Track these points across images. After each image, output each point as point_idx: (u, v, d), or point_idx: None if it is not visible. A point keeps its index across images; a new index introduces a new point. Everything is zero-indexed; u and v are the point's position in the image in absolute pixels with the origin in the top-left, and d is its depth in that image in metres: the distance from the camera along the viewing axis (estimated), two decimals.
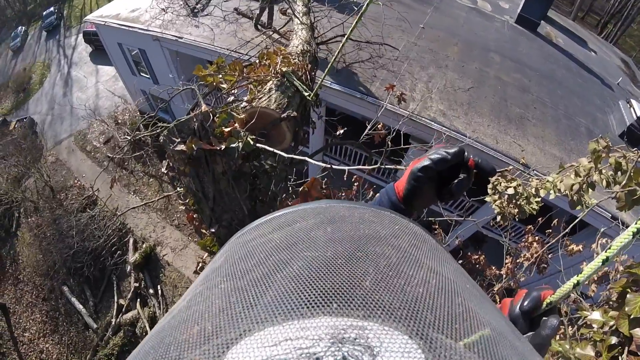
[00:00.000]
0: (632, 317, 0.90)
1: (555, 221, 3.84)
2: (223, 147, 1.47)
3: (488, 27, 10.19)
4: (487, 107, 7.19)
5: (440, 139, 5.92)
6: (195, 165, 1.51)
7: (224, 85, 2.11)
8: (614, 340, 0.98)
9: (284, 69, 2.11)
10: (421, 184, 0.58)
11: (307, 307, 0.22)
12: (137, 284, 9.67)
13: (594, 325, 1.12)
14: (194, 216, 1.90)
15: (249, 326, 0.21)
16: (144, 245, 10.29)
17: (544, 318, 0.49)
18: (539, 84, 8.48)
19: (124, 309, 9.47)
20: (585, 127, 7.79)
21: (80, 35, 18.56)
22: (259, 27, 7.60)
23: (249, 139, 1.52)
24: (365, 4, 1.71)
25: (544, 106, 7.87)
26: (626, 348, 0.94)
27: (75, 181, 12.31)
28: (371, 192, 3.98)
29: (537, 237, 3.51)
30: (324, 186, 1.77)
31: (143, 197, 11.31)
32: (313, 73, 2.67)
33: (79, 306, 9.72)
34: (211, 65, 2.14)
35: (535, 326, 0.49)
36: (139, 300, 9.56)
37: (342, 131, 3.42)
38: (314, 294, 0.23)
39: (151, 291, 9.62)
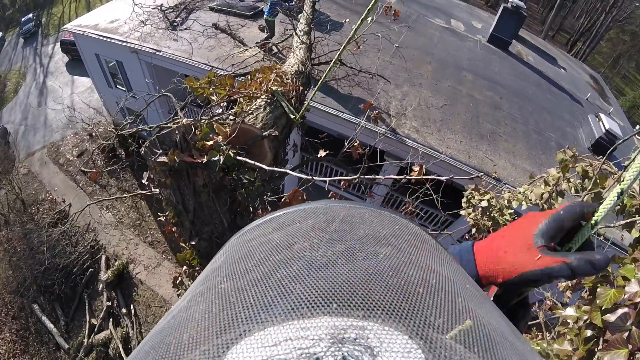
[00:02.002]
0: (603, 308, 0.92)
1: None
2: (204, 160, 1.48)
3: (461, 47, 10.52)
4: (459, 124, 7.39)
5: (416, 156, 6.02)
6: (177, 177, 1.52)
7: (214, 97, 2.14)
8: (589, 333, 1.01)
9: (275, 88, 2.14)
10: (539, 285, 0.47)
11: (307, 307, 0.22)
12: (109, 303, 9.33)
13: (569, 321, 1.14)
14: (173, 229, 1.90)
15: (249, 326, 0.21)
16: (116, 263, 9.98)
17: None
18: (510, 100, 8.79)
19: (96, 329, 9.10)
20: (555, 142, 8.08)
21: (58, 44, 18.14)
22: (260, 45, 7.56)
23: (230, 152, 1.53)
24: (353, 31, 1.76)
25: (515, 122, 8.15)
26: (601, 339, 0.96)
27: (47, 195, 11.91)
28: None
29: None
30: (305, 198, 1.80)
31: (116, 212, 11.02)
32: (304, 95, 2.68)
33: (50, 325, 9.31)
34: (202, 78, 2.17)
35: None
36: (111, 319, 9.22)
37: (324, 153, 3.45)
38: (314, 294, 0.23)
39: (124, 310, 9.30)
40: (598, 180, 1.48)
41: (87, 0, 24.86)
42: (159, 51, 8.27)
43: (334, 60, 1.97)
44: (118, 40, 8.86)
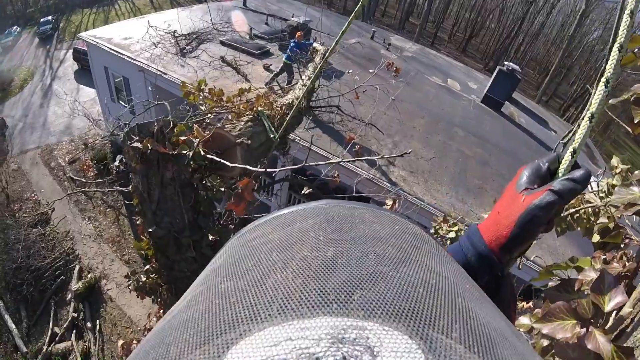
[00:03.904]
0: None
1: None
2: (175, 152, 1.56)
3: (455, 104, 10.92)
4: (447, 177, 7.59)
5: (399, 199, 6.16)
6: (147, 165, 1.58)
7: (202, 107, 2.22)
8: (545, 342, 0.97)
9: (260, 108, 2.24)
10: (538, 225, 0.46)
11: (307, 307, 0.22)
12: (75, 314, 9.01)
13: (520, 330, 1.10)
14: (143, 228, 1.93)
15: (249, 326, 0.21)
16: (89, 275, 9.73)
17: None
18: (499, 158, 9.06)
19: (57, 338, 8.73)
20: None
21: (70, 51, 18.54)
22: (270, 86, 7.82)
23: (200, 149, 1.61)
24: (335, 41, 1.83)
25: (502, 179, 8.34)
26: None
27: (33, 195, 11.80)
28: None
29: None
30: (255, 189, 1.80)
31: (97, 225, 10.86)
32: (294, 128, 2.71)
33: (12, 325, 8.91)
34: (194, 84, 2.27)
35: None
36: (74, 331, 8.85)
37: (308, 190, 3.51)
38: (314, 294, 0.23)
39: (89, 325, 8.96)
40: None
41: (106, 15, 25.77)
42: (165, 73, 8.54)
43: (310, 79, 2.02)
44: (128, 56, 9.15)
